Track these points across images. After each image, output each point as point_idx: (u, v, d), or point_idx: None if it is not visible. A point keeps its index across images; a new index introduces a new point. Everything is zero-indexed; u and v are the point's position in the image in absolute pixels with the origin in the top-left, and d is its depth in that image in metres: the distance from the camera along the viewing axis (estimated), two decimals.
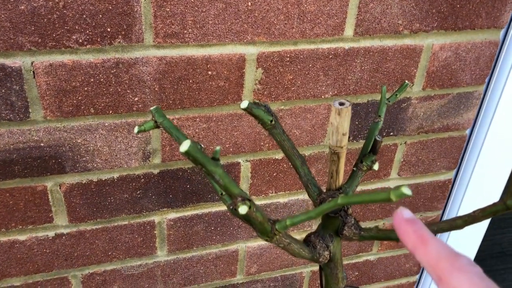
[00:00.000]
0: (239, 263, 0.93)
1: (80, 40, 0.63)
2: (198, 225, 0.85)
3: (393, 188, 0.32)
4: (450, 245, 0.36)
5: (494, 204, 0.37)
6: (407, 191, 0.31)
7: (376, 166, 0.47)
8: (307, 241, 0.47)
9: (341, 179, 0.47)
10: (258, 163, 0.83)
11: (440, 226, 0.40)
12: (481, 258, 1.86)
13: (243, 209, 0.39)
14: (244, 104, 0.45)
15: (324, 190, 0.53)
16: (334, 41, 0.74)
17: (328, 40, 0.74)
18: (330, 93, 0.79)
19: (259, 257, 0.94)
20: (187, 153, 0.35)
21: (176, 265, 0.88)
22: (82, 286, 0.84)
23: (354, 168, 0.48)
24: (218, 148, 0.37)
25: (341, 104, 0.43)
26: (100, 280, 0.85)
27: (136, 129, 0.43)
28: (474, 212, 0.38)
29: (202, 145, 0.41)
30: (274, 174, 0.85)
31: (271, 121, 0.47)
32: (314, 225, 0.96)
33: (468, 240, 1.14)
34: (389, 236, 0.43)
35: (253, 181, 0.84)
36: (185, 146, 0.35)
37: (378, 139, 0.46)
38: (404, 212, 0.33)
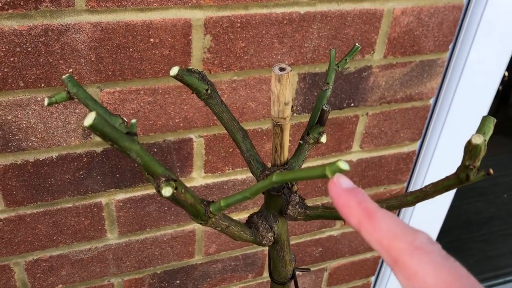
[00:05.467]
0: (196, 243, 0.89)
1: (0, 4, 0.56)
2: (150, 206, 0.80)
3: (329, 163, 0.27)
4: (402, 220, 0.31)
5: (447, 178, 0.33)
6: (344, 165, 0.27)
7: (323, 139, 0.43)
8: (249, 222, 0.43)
9: (286, 153, 0.43)
10: (212, 139, 0.78)
11: (390, 203, 0.37)
12: (447, 227, 1.87)
13: (167, 191, 0.34)
14: (174, 70, 0.40)
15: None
16: (289, 5, 0.69)
17: (282, 4, 0.68)
18: (287, 62, 0.74)
19: (218, 236, 0.90)
20: (92, 128, 0.30)
21: (129, 247, 0.84)
22: (27, 274, 0.79)
23: (301, 141, 0.44)
24: (134, 121, 0.32)
25: (282, 69, 0.38)
26: (46, 267, 0.79)
27: (46, 101, 0.37)
28: (425, 187, 0.34)
29: (125, 119, 0.36)
30: (230, 150, 0.80)
31: (207, 89, 0.42)
32: None
33: (435, 210, 1.13)
34: (337, 215, 0.39)
35: (208, 157, 0.79)
36: (89, 119, 0.29)
37: (325, 108, 0.42)
38: (342, 181, 0.28)
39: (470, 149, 0.30)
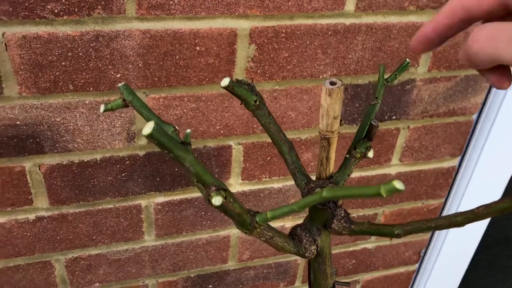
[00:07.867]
0: (231, 249, 0.89)
1: (56, 10, 0.58)
2: (187, 210, 0.81)
3: (384, 183, 0.27)
4: None
5: (501, 200, 0.32)
6: (399, 185, 0.27)
7: (370, 154, 0.42)
8: (292, 234, 0.43)
9: (332, 167, 0.43)
10: (251, 146, 0.78)
11: (438, 223, 0.36)
12: (485, 244, 1.81)
13: (217, 200, 0.34)
14: (225, 81, 0.41)
15: (314, 179, 0.48)
16: (334, 16, 0.69)
17: (327, 15, 0.68)
18: (329, 73, 0.74)
19: (252, 243, 0.90)
20: (150, 136, 0.30)
21: (165, 250, 0.85)
22: (66, 271, 0.81)
23: (347, 155, 0.44)
24: (188, 131, 0.33)
25: (333, 83, 0.38)
26: (85, 265, 0.82)
27: (102, 108, 0.38)
28: (477, 208, 0.33)
29: (177, 127, 0.36)
30: (268, 158, 0.81)
31: (255, 101, 0.42)
32: None
33: (473, 227, 1.10)
34: (382, 231, 0.39)
35: (245, 165, 0.80)
36: (148, 128, 0.30)
37: (373, 123, 0.42)
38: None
39: None
